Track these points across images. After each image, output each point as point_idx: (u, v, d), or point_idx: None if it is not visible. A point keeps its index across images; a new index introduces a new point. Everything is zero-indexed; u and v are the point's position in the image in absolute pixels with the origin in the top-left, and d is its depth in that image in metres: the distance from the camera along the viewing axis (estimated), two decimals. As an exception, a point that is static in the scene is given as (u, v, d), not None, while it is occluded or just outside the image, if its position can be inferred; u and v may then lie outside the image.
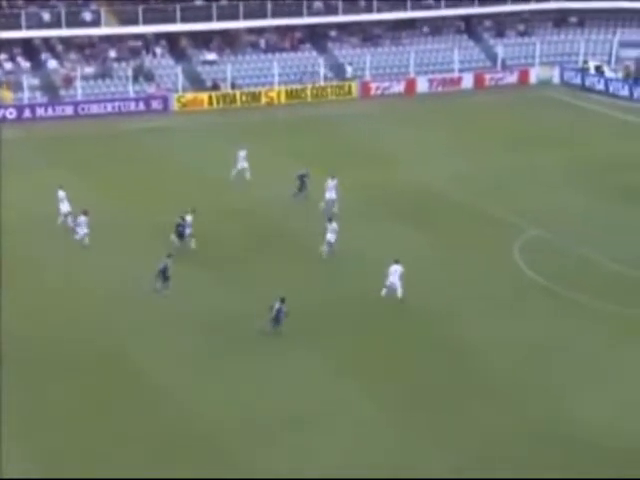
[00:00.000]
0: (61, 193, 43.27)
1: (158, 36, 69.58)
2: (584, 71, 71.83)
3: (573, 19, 77.26)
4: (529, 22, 76.78)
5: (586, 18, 76.84)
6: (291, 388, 31.11)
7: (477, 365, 32.52)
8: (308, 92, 68.56)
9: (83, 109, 63.64)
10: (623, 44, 73.81)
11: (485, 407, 30.11)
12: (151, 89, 66.34)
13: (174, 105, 65.64)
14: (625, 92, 68.68)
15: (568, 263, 40.76)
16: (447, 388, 31.13)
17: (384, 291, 36.33)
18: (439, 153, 55.75)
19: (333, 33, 73.66)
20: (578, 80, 71.52)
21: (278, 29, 71.76)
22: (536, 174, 51.84)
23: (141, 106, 64.95)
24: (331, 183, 45.48)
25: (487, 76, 72.15)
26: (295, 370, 32.14)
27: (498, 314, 36.16)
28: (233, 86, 67.66)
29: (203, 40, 70.56)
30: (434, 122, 62.46)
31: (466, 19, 75.80)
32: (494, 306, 36.73)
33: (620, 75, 70.94)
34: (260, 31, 71.60)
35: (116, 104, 64.40)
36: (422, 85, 70.68)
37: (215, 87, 67.70)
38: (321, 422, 29.31)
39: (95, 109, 63.87)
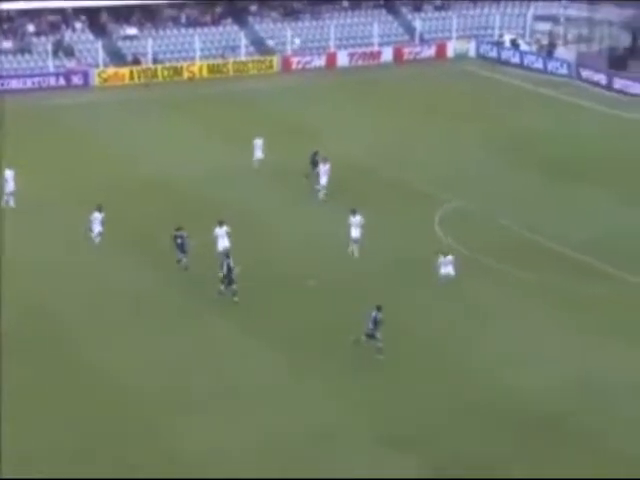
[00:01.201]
0: (8, 172, 41.65)
1: (77, 11, 67.68)
2: (499, 45, 72.24)
3: (488, -6, 77.47)
4: (446, -4, 76.81)
5: (502, -8, 77.27)
6: (216, 359, 31.01)
7: (404, 335, 32.37)
8: (230, 67, 67.49)
9: (2, 84, 61.67)
10: (537, 18, 74.47)
11: (415, 376, 30.15)
12: (71, 64, 64.46)
13: (95, 80, 64.01)
14: (539, 65, 69.06)
15: (487, 233, 40.73)
16: (376, 359, 30.91)
17: (440, 282, 35.56)
18: (360, 126, 55.45)
19: (254, 8, 72.45)
20: (494, 53, 71.82)
21: (199, 4, 70.28)
22: (455, 146, 51.92)
23: (61, 81, 63.26)
24: (323, 168, 43.72)
25: (406, 50, 71.98)
26: (221, 342, 32.04)
27: (421, 285, 35.96)
28: (155, 61, 66.00)
29: (123, 15, 68.77)
30: (355, 96, 62.21)
31: (385, -7, 75.42)
32: (416, 278, 36.47)
33: (534, 48, 71.48)
34: (180, 6, 70.12)
35: (36, 79, 62.73)
36: (342, 59, 70.22)
37: (136, 62, 65.96)
38: (251, 393, 29.30)
39: (14, 84, 62.08)
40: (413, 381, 29.87)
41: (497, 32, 73.41)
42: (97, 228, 38.13)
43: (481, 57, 71.96)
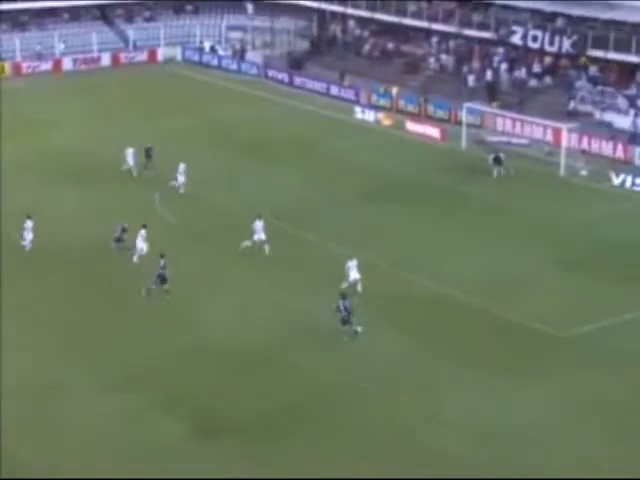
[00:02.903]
0: None
1: None
2: (201, 50, 74.88)
3: (189, 7, 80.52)
4: (153, 9, 79.42)
5: (200, 6, 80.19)
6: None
7: (125, 292, 34.45)
8: (-35, 72, 67.82)
9: None
10: (230, 28, 77.56)
11: (131, 333, 31.86)
12: None
13: None
14: (234, 66, 71.97)
15: (198, 206, 43.06)
16: (101, 319, 32.68)
17: (345, 285, 33.65)
18: (85, 121, 57.03)
19: (-16, 20, 72.76)
20: (197, 58, 74.14)
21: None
22: (167, 135, 53.74)
23: None
24: (182, 166, 44.59)
25: (122, 55, 74.22)
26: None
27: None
28: None
29: None
30: (80, 95, 63.74)
31: (101, 7, 77.43)
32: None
33: (229, 53, 74.85)
34: None
35: None
36: (67, 64, 71.85)
37: None
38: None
39: None
40: (129, 335, 31.44)
41: (198, 39, 76.01)
42: (29, 235, 36.76)
43: (186, 61, 74.18)
